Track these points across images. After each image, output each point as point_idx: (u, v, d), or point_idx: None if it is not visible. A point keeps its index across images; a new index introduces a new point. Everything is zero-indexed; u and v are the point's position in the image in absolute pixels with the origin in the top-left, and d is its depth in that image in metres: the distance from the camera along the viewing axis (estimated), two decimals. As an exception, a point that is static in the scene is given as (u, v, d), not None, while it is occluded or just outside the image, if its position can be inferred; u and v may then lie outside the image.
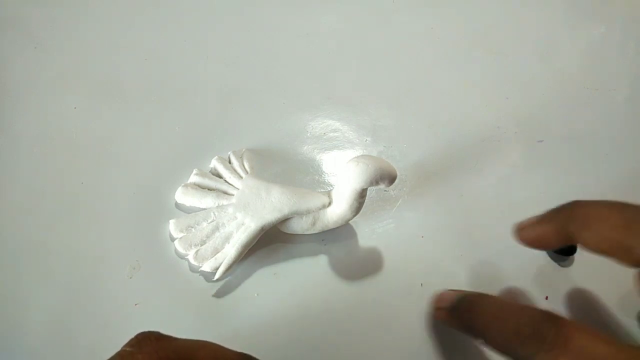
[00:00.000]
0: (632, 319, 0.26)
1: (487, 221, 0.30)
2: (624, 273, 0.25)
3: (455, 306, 0.22)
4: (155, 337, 0.18)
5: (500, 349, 0.19)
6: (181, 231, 0.29)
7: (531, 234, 0.21)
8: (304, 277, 0.28)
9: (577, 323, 0.17)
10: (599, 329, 0.20)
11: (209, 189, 0.30)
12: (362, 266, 0.29)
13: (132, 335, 0.19)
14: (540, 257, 0.29)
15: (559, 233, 0.19)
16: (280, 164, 0.33)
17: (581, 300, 0.27)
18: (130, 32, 0.39)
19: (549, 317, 0.17)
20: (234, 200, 0.29)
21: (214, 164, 0.32)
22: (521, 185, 0.32)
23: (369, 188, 0.27)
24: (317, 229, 0.28)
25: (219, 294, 0.27)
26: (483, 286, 0.28)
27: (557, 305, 0.27)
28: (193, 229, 0.29)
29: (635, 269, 0.18)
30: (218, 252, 0.28)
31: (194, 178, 0.31)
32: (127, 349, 0.17)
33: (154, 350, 0.17)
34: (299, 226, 0.28)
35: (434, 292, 0.25)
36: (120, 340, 0.19)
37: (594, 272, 0.28)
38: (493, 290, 0.28)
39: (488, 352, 0.26)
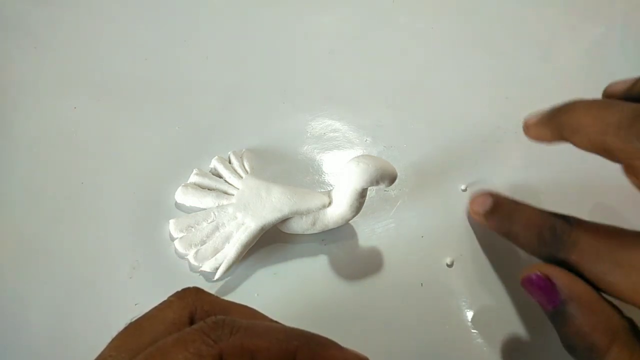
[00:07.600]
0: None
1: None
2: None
3: (491, 212, 0.27)
4: (195, 290, 0.19)
5: (528, 250, 0.24)
6: (181, 231, 0.29)
7: (533, 134, 0.26)
8: (304, 277, 0.28)
9: (590, 224, 0.22)
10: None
11: (209, 189, 0.30)
12: (362, 266, 0.29)
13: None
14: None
15: (555, 136, 0.24)
16: (280, 164, 0.33)
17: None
18: (130, 32, 0.39)
19: (566, 223, 0.23)
20: (234, 200, 0.29)
21: (214, 164, 0.32)
22: (521, 185, 0.32)
23: (369, 188, 0.27)
24: (317, 229, 0.28)
25: (219, 294, 0.27)
26: (483, 285, 0.28)
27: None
28: (193, 229, 0.29)
29: (619, 164, 0.23)
30: (218, 252, 0.28)
31: (194, 178, 0.31)
32: (171, 297, 0.19)
33: (192, 301, 0.18)
34: (299, 226, 0.28)
35: (473, 194, 0.29)
36: (120, 340, 0.19)
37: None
38: (494, 290, 0.28)
39: (487, 351, 0.26)
